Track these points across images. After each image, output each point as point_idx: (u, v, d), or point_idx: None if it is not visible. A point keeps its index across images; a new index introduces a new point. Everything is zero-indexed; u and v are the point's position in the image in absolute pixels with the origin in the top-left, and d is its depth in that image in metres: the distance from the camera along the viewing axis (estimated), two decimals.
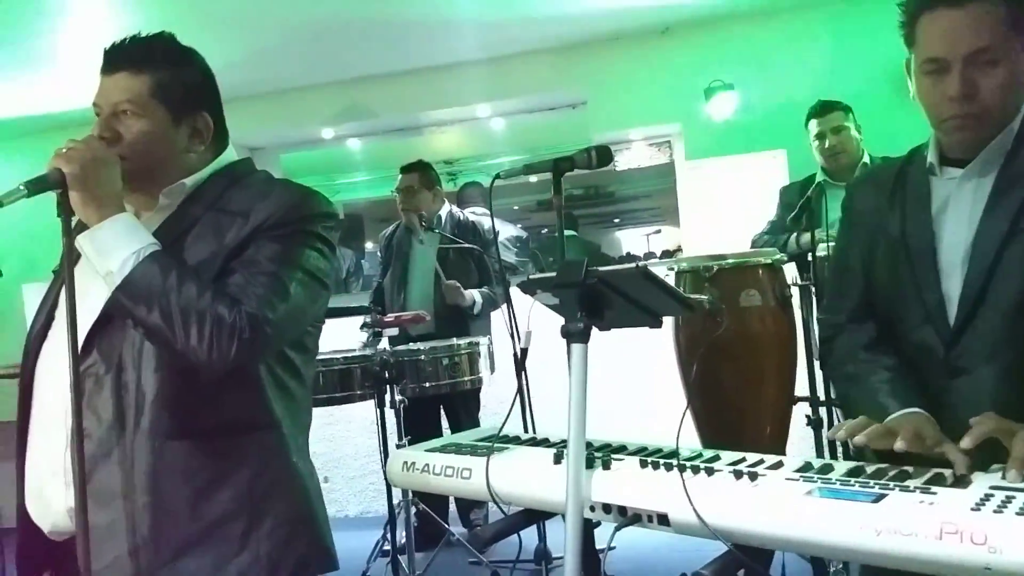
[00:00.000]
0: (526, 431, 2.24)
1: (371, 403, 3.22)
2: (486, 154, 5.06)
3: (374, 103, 4.47)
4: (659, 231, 7.14)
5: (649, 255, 6.01)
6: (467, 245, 3.61)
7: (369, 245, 6.40)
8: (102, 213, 1.27)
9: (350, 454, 4.66)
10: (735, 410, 3.06)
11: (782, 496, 1.24)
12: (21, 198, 1.22)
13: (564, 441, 1.78)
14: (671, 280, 3.36)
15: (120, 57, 1.38)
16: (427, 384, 3.19)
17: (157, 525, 1.28)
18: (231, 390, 1.32)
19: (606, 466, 1.49)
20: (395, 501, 3.28)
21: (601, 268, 1.40)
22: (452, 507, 3.92)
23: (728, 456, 1.50)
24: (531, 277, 1.47)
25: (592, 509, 1.45)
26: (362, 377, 3.21)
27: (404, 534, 3.23)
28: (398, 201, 3.80)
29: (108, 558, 1.27)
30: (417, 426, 3.60)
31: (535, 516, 1.61)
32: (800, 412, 2.68)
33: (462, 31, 3.84)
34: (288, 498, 1.40)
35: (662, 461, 1.45)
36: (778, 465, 1.39)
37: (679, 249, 5.19)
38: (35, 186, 1.24)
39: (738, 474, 1.34)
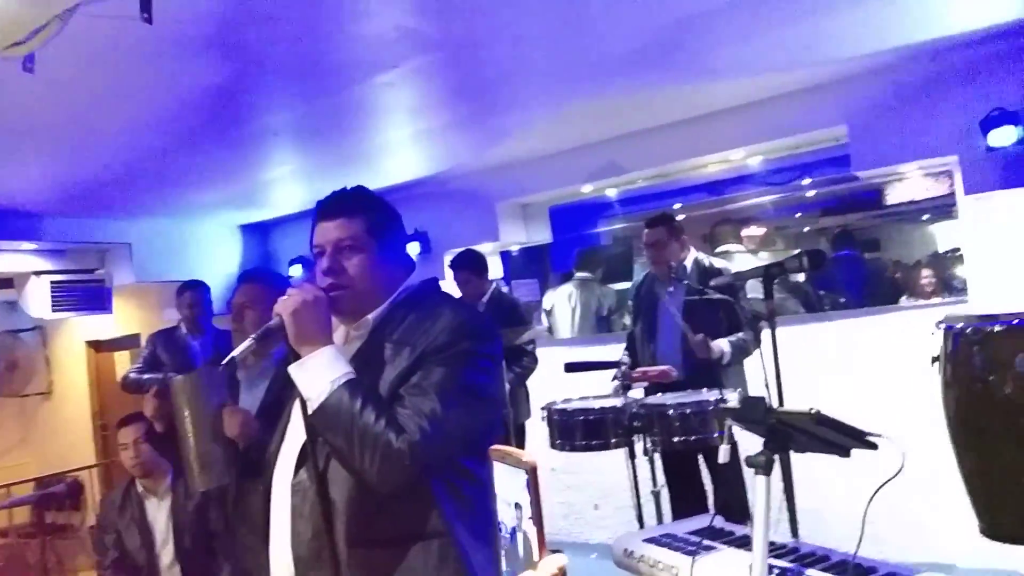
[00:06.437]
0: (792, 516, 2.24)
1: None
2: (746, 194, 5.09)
3: (633, 159, 4.71)
4: None
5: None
6: (715, 296, 3.64)
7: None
8: (310, 348, 1.52)
9: (620, 484, 4.93)
10: (1014, 484, 2.85)
11: None
12: (252, 350, 1.55)
13: (783, 546, 1.88)
14: (938, 338, 3.18)
15: (338, 206, 1.67)
16: (675, 439, 3.32)
17: None
18: (405, 502, 1.50)
19: None
20: None
21: (779, 409, 1.53)
22: None
23: None
24: (724, 406, 1.63)
25: None
26: (614, 427, 3.47)
27: None
28: (647, 255, 3.97)
29: None
30: (676, 474, 3.77)
31: None
32: None
33: (716, 85, 3.93)
34: None
35: None
36: None
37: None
38: (262, 336, 1.55)
39: None
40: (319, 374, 1.50)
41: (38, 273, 5.21)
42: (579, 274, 5.74)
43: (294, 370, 1.53)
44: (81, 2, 2.16)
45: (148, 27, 2.22)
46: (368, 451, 1.44)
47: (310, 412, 1.51)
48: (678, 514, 3.67)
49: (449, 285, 4.48)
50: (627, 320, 5.06)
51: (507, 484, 1.03)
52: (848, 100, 4.02)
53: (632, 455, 3.45)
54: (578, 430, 3.52)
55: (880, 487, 1.55)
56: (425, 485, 1.51)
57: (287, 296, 1.56)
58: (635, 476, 3.49)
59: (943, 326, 3.16)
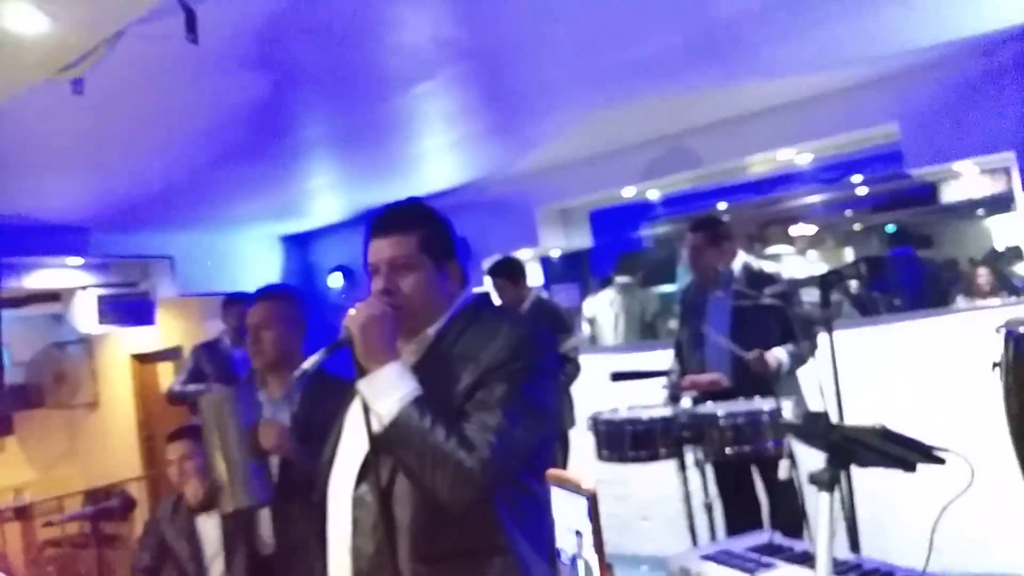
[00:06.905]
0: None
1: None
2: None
3: (678, 160, 4.62)
4: None
5: None
6: (766, 302, 3.52)
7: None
8: (378, 362, 1.51)
9: (669, 496, 4.80)
10: None
11: None
12: (322, 360, 1.54)
13: (846, 562, 1.80)
14: (1000, 340, 3.06)
15: (390, 222, 1.65)
16: (727, 450, 3.21)
17: None
18: (469, 518, 1.48)
19: None
20: None
21: (843, 425, 1.45)
22: None
23: None
24: (785, 422, 1.56)
25: None
26: (663, 437, 3.38)
27: None
28: (689, 261, 3.87)
29: None
30: (728, 485, 3.66)
31: None
32: None
33: (765, 84, 3.84)
34: None
35: None
36: None
37: None
38: (331, 348, 1.56)
39: None
40: (388, 391, 1.50)
41: (84, 287, 5.31)
42: (619, 279, 5.67)
43: (363, 385, 1.53)
44: (128, 26, 2.18)
45: (191, 45, 2.23)
46: (440, 470, 1.44)
47: (380, 429, 1.50)
48: (731, 527, 3.57)
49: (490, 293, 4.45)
50: (672, 325, 4.97)
51: (566, 510, 0.98)
52: (900, 97, 3.90)
53: (683, 466, 3.36)
54: (626, 441, 3.42)
55: (947, 505, 1.47)
56: (489, 501, 1.50)
57: (356, 310, 1.55)
58: (686, 488, 3.39)
59: (1003, 330, 3.04)
